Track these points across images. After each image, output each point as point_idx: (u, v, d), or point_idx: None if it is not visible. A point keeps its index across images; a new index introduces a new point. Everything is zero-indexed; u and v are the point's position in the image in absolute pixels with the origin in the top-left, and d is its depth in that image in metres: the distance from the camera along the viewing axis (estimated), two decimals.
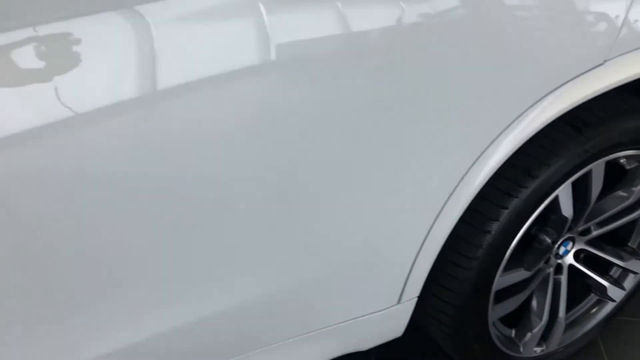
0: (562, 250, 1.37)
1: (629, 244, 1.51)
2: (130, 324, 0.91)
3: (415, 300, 1.19)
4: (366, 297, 1.12)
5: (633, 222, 1.48)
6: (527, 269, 1.28)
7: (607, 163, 1.23)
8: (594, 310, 1.54)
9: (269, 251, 0.96)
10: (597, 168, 1.20)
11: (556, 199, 1.18)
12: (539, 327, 1.39)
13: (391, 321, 1.20)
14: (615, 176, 1.35)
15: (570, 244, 1.38)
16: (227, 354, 1.05)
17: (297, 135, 0.86)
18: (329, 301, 1.08)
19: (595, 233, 1.39)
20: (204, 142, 0.80)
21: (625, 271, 1.51)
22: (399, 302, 1.16)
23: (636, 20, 1.04)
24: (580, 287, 1.52)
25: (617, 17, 1.02)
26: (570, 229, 1.33)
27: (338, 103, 0.86)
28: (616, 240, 1.51)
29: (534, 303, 1.40)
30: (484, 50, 0.93)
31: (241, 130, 0.82)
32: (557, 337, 1.45)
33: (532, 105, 1.01)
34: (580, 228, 1.35)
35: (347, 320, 1.13)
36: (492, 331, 1.32)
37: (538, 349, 1.45)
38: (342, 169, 0.93)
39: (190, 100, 0.76)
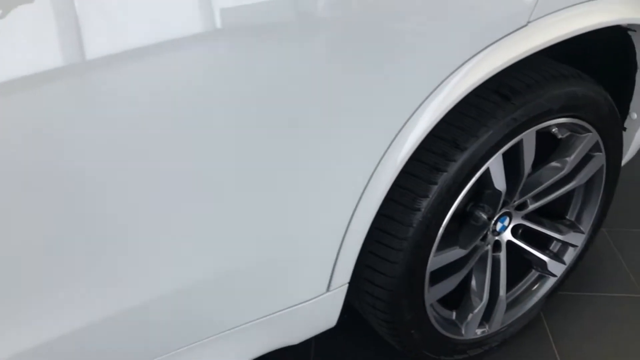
0: (499, 226, 1.32)
1: (567, 217, 1.47)
2: (43, 322, 0.81)
3: (346, 286, 1.11)
4: (290, 287, 1.04)
5: (570, 194, 1.45)
6: (463, 247, 1.22)
7: (539, 133, 1.19)
8: (535, 286, 1.50)
9: (184, 245, 0.87)
10: (528, 138, 1.15)
11: (487, 172, 1.13)
12: (479, 308, 1.34)
13: (322, 311, 1.12)
14: (548, 147, 1.31)
15: (507, 219, 1.34)
16: (151, 352, 0.95)
17: (207, 129, 0.78)
18: (248, 295, 1.00)
19: (531, 207, 1.34)
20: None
21: (565, 245, 1.48)
22: (328, 289, 1.09)
23: None
24: (520, 263, 1.48)
25: None
26: (505, 204, 1.28)
27: (245, 94, 0.78)
28: (554, 214, 1.48)
29: (474, 283, 1.35)
30: (397, 15, 0.85)
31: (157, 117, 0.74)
32: (499, 317, 1.41)
33: (452, 72, 0.95)
34: (516, 202, 1.31)
35: (272, 314, 1.04)
36: (431, 314, 1.26)
37: (480, 330, 1.40)
38: (255, 161, 0.85)
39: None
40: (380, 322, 1.24)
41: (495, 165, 1.13)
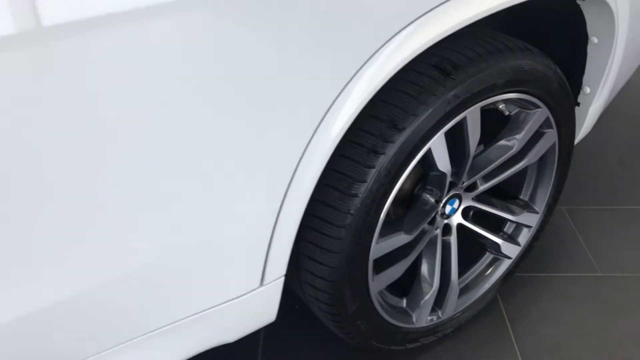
0: (448, 209, 1.26)
1: (521, 197, 1.42)
2: None
3: (282, 279, 1.04)
4: (219, 284, 0.96)
5: (523, 174, 1.39)
6: (408, 232, 1.16)
7: (485, 110, 1.13)
8: (489, 270, 1.45)
9: (107, 240, 0.79)
10: (472, 115, 1.09)
11: (429, 153, 1.06)
12: (430, 294, 1.29)
13: (257, 306, 1.05)
14: (497, 125, 1.25)
15: (457, 201, 1.28)
16: (75, 353, 0.88)
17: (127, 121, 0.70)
18: (175, 293, 0.92)
19: (481, 188, 1.29)
20: None
21: (519, 226, 1.43)
22: (261, 284, 1.01)
23: None
24: (473, 246, 1.43)
25: None
26: (453, 186, 1.22)
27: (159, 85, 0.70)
28: (507, 194, 1.43)
29: (423, 268, 1.30)
30: None
31: None
32: (452, 303, 1.35)
33: (380, 47, 0.87)
34: (465, 184, 1.24)
35: (201, 312, 0.97)
36: (378, 303, 1.20)
37: (433, 317, 1.34)
38: (173, 152, 0.77)
39: None
40: (324, 314, 1.17)
41: (437, 146, 1.06)
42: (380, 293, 1.23)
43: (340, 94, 0.87)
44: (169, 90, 0.73)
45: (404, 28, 0.87)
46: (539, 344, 1.43)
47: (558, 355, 1.40)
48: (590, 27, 1.27)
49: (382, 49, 0.87)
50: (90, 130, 0.71)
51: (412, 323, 1.31)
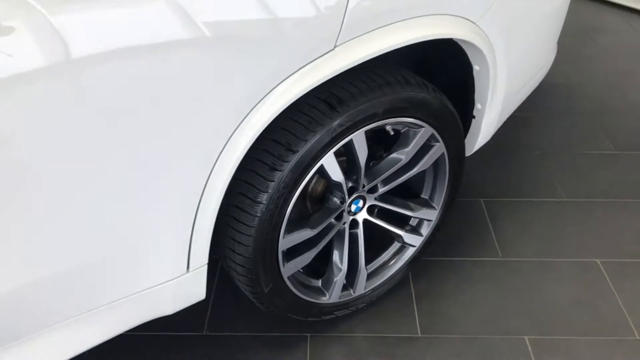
0: (354, 207, 1.55)
1: (422, 196, 1.70)
2: None
3: (205, 267, 1.34)
4: (151, 270, 1.25)
5: (423, 176, 1.67)
6: (312, 228, 1.45)
7: (379, 129, 1.40)
8: (397, 256, 1.74)
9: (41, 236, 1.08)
10: (358, 137, 1.36)
11: (323, 167, 1.34)
12: (340, 276, 1.58)
13: (187, 287, 1.34)
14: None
15: (361, 201, 1.56)
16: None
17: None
18: (112, 279, 1.22)
19: (381, 190, 1.57)
20: None
21: (421, 220, 1.71)
22: (188, 270, 1.31)
23: (357, 9, 1.17)
24: (384, 236, 1.72)
25: (338, 8, 1.15)
26: (355, 190, 1.50)
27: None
28: (411, 193, 1.71)
29: (335, 255, 1.59)
30: (214, 44, 1.04)
31: None
32: (362, 283, 1.65)
33: (268, 93, 1.14)
34: (366, 187, 1.53)
35: (138, 292, 1.27)
36: (291, 284, 1.50)
37: (345, 294, 1.64)
38: (97, 161, 1.05)
39: None
40: (246, 291, 1.47)
41: (328, 162, 1.34)
42: (295, 275, 1.52)
43: (242, 121, 1.15)
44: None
45: (288, 77, 1.15)
46: (436, 318, 1.72)
47: (452, 327, 1.70)
48: (471, 59, 1.53)
49: (269, 94, 1.15)
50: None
51: (327, 299, 1.61)
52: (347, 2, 1.15)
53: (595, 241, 1.99)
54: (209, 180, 1.20)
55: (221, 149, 1.17)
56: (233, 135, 1.17)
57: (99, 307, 1.22)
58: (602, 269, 1.88)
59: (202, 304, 1.52)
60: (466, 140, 1.76)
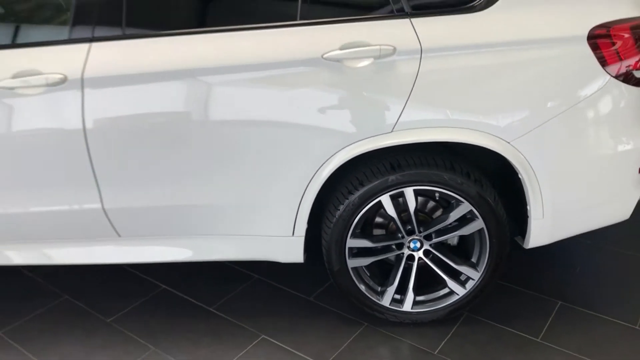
0: (412, 245, 2.30)
1: (472, 259, 2.32)
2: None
3: (303, 238, 2.30)
4: (275, 223, 2.28)
5: (472, 243, 2.30)
6: (372, 242, 2.27)
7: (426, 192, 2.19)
8: (444, 298, 2.37)
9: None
10: (408, 192, 2.16)
11: (380, 202, 2.18)
12: (390, 288, 2.33)
13: (290, 247, 2.32)
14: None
15: (419, 243, 2.30)
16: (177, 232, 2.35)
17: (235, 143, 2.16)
18: (252, 219, 2.29)
19: (435, 240, 2.28)
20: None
21: (468, 278, 2.31)
22: (293, 234, 2.30)
23: (409, 114, 2.03)
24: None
25: (398, 107, 2.03)
26: (412, 232, 2.27)
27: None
28: (464, 254, 2.34)
29: (393, 271, 2.34)
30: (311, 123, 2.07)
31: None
32: (408, 304, 2.35)
33: (339, 150, 2.10)
34: (423, 233, 2.27)
35: (264, 236, 2.31)
36: (354, 275, 2.32)
37: (395, 304, 2.36)
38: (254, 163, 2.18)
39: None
40: (326, 263, 2.36)
41: (385, 200, 2.17)
42: (358, 270, 2.34)
43: (324, 162, 2.12)
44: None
45: (353, 142, 2.08)
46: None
47: None
48: (516, 167, 2.13)
49: (342, 149, 2.10)
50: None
51: (378, 300, 2.36)
52: (404, 105, 2.02)
53: None
54: (308, 186, 2.18)
55: (314, 173, 2.16)
56: (320, 169, 2.14)
57: (235, 234, 2.32)
58: None
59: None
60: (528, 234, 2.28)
